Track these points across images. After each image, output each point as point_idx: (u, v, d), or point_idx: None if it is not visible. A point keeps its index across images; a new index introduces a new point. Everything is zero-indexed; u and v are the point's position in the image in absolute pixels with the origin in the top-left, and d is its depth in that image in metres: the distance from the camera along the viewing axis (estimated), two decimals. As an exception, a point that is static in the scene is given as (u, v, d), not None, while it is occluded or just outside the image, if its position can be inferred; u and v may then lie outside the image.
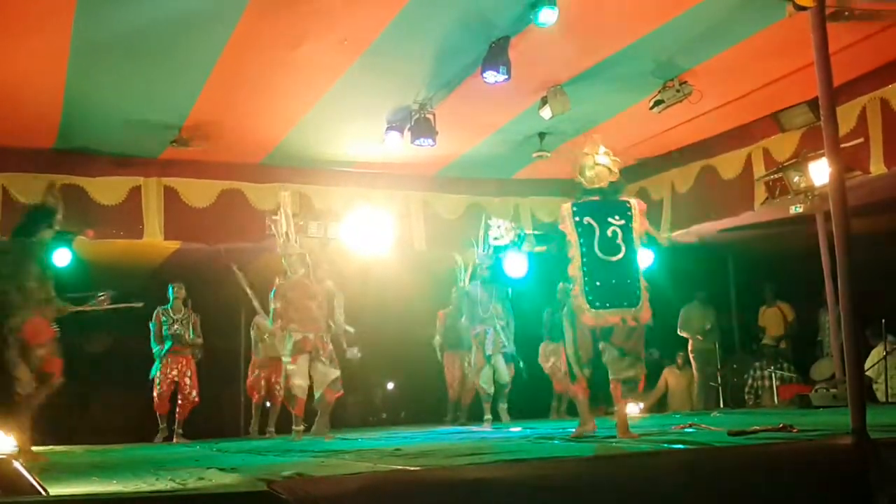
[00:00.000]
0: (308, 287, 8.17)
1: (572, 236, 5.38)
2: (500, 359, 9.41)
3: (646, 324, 5.38)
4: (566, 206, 5.49)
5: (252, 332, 9.95)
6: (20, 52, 7.00)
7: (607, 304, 5.27)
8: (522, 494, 3.28)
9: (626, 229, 5.38)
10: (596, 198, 5.51)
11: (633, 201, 5.61)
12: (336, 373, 8.07)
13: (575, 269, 5.36)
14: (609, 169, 5.50)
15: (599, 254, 5.30)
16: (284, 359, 8.10)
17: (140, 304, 7.88)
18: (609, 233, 5.32)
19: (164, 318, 9.44)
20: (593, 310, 5.28)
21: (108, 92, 7.96)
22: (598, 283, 5.26)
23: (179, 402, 9.43)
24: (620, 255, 5.32)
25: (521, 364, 9.82)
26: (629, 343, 5.42)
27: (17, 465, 3.27)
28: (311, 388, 8.11)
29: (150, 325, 9.48)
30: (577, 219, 5.39)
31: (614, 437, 5.46)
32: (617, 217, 5.39)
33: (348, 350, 8.37)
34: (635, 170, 11.20)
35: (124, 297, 7.40)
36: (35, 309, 6.16)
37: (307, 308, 8.10)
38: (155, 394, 9.39)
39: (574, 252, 5.37)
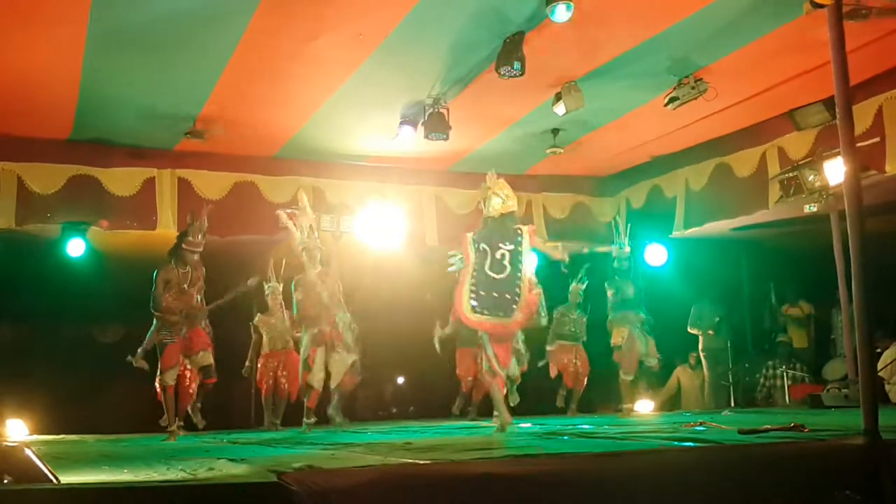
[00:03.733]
0: (324, 281, 8.22)
1: (468, 259, 6.55)
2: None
3: (517, 330, 6.76)
4: (469, 235, 6.70)
5: (254, 335, 9.95)
6: (37, 44, 7.03)
7: (485, 312, 6.43)
8: (531, 490, 3.28)
9: (516, 253, 6.53)
10: (492, 226, 6.68)
11: (524, 228, 6.75)
12: (353, 357, 8.16)
13: (464, 284, 6.50)
14: (503, 202, 6.72)
15: (489, 273, 6.45)
16: (302, 353, 8.17)
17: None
18: (498, 255, 6.48)
19: None
20: (475, 314, 6.45)
21: (124, 83, 7.99)
22: (482, 293, 6.43)
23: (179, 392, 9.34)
24: (504, 275, 6.46)
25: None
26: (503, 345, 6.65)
27: (29, 452, 3.29)
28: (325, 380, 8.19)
29: None
30: (475, 246, 6.57)
31: (621, 432, 5.46)
32: (507, 243, 6.54)
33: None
34: (649, 167, 11.20)
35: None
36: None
37: (322, 302, 8.16)
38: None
39: (466, 272, 6.54)
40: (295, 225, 8.44)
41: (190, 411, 8.28)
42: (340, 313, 8.29)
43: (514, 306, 6.43)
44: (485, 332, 6.59)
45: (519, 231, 6.67)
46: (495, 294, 6.41)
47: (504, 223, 6.70)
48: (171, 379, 7.71)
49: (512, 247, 6.54)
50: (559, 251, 7.32)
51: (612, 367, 10.53)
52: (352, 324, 8.39)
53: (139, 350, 9.21)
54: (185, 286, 7.71)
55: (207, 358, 7.82)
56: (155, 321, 9.08)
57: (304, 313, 8.21)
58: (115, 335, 10.58)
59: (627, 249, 10.14)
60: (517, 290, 6.45)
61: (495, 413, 9.54)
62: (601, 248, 9.18)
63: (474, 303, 6.44)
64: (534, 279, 6.68)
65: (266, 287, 9.82)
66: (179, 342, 7.66)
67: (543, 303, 7.13)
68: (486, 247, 6.54)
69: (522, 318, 6.54)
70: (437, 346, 10.07)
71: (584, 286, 10.70)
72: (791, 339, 11.83)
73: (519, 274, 6.48)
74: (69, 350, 10.98)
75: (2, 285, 9.74)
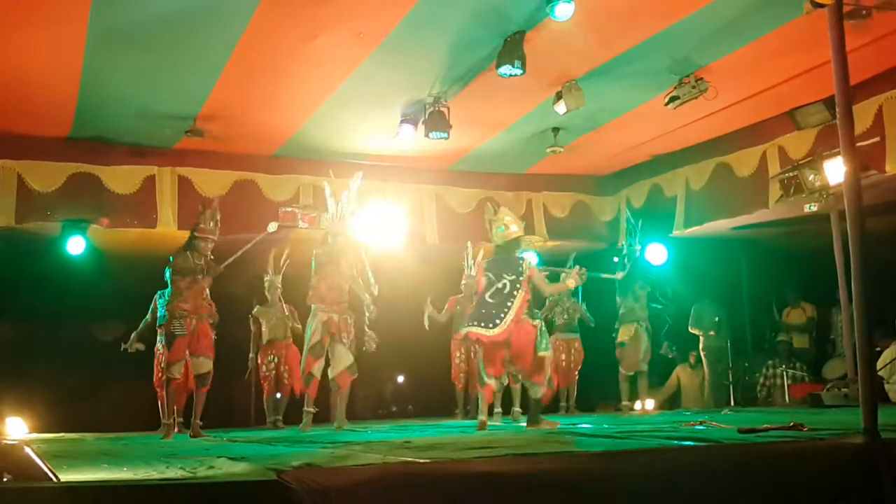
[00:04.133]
0: (342, 264, 8.23)
1: (480, 284, 7.21)
2: None
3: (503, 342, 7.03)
4: (482, 262, 7.52)
5: (253, 326, 9.93)
6: (37, 42, 7.03)
7: (472, 323, 7.02)
8: (531, 488, 3.28)
9: (515, 282, 7.06)
10: (499, 255, 7.28)
11: (525, 258, 7.35)
12: (351, 358, 8.16)
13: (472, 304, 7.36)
14: (505, 231, 7.24)
15: (488, 299, 7.07)
16: (311, 338, 8.16)
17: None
18: (500, 284, 7.06)
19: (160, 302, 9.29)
20: (465, 327, 7.10)
21: (124, 82, 7.99)
22: (474, 312, 7.14)
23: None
24: (499, 299, 7.03)
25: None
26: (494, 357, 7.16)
27: (28, 450, 3.29)
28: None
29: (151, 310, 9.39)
30: (486, 273, 7.18)
31: (620, 431, 5.46)
32: (510, 273, 7.08)
33: (367, 336, 8.47)
34: (649, 166, 11.21)
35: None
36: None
37: (339, 287, 8.21)
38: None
39: (476, 294, 7.28)
40: (333, 206, 8.48)
41: (190, 431, 8.20)
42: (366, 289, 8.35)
43: (498, 321, 6.94)
44: (475, 341, 7.15)
45: (520, 263, 7.22)
46: (483, 310, 7.05)
47: (509, 252, 7.26)
48: (177, 372, 7.68)
49: (514, 277, 7.09)
50: (571, 279, 7.65)
51: (612, 364, 10.55)
52: (370, 305, 8.43)
53: (133, 334, 9.20)
54: (199, 278, 7.70)
55: (206, 365, 7.76)
56: (150, 309, 9.05)
57: (318, 293, 8.20)
58: (115, 334, 10.57)
59: (639, 247, 10.19)
60: (506, 308, 7.00)
61: (496, 411, 9.63)
62: (607, 276, 9.14)
63: (470, 319, 7.13)
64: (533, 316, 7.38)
65: (265, 280, 9.85)
66: (188, 336, 7.64)
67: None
68: (492, 276, 7.12)
69: (505, 334, 6.98)
70: (426, 323, 10.10)
71: None
72: (791, 338, 11.84)
73: (512, 298, 7.04)
74: (69, 348, 10.99)
75: (2, 283, 9.76)
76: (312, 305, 8.25)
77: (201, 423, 7.77)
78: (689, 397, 12.08)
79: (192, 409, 7.89)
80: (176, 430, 8.02)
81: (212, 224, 7.79)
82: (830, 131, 8.43)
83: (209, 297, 7.84)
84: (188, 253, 7.75)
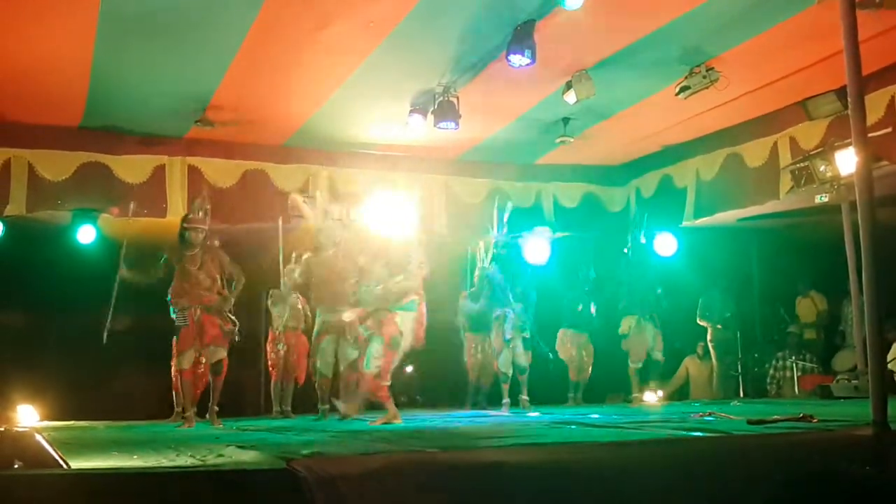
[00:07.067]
0: (337, 265, 8.21)
1: None
2: (519, 343, 9.42)
3: None
4: None
5: (268, 302, 9.87)
6: (48, 31, 7.04)
7: None
8: (539, 478, 3.28)
9: None
10: None
11: None
12: (356, 353, 8.13)
13: None
14: None
15: None
16: (313, 339, 8.19)
17: None
18: None
19: None
20: None
21: (135, 71, 7.99)
22: None
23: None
24: None
25: (549, 353, 9.91)
26: None
27: (39, 438, 3.31)
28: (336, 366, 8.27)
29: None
30: None
31: (629, 422, 5.46)
32: None
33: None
34: (660, 156, 11.17)
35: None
36: None
37: (335, 286, 8.16)
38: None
39: None
40: (311, 207, 8.48)
41: (207, 415, 8.24)
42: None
43: None
44: None
45: None
46: None
47: None
48: (186, 363, 7.70)
49: None
50: None
51: (619, 356, 10.55)
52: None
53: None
54: (194, 269, 7.69)
55: (219, 353, 7.76)
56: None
57: (317, 295, 8.20)
58: (125, 322, 10.59)
59: (644, 240, 10.17)
60: None
61: (504, 401, 9.65)
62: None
63: None
64: None
65: (282, 269, 9.82)
66: (193, 326, 7.65)
67: None
68: None
69: None
70: (461, 335, 10.16)
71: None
72: (801, 329, 11.81)
73: None
74: (79, 337, 11.01)
75: (12, 272, 9.80)
76: (317, 307, 8.28)
77: (217, 409, 7.82)
78: (697, 389, 12.06)
79: (206, 399, 7.92)
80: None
81: (200, 214, 7.84)
82: (842, 122, 8.38)
83: (215, 285, 7.81)
84: (179, 245, 7.78)
